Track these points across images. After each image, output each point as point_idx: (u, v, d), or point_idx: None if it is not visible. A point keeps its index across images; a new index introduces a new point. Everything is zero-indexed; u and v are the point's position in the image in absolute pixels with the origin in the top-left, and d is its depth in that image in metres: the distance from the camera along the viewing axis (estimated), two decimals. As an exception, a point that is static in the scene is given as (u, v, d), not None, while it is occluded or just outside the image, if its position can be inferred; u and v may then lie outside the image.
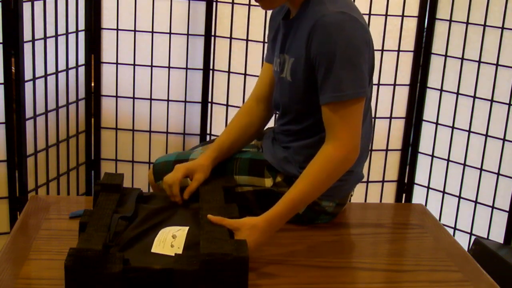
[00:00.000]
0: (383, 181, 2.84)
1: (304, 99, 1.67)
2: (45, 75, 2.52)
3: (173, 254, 1.39)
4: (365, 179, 2.79)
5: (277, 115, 1.87)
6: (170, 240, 1.44)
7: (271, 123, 1.97)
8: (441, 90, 2.71)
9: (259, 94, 1.89)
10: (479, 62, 2.59)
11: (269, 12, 1.91)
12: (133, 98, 2.81)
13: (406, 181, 2.86)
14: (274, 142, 1.81)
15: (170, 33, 2.73)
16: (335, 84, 1.55)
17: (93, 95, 2.82)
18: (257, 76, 1.95)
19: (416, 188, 2.86)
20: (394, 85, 2.73)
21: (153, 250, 1.42)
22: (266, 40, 1.93)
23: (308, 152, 1.68)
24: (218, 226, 1.45)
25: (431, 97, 2.75)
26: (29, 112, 2.47)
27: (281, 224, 1.58)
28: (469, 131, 2.66)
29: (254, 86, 1.92)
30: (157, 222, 1.56)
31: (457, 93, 2.67)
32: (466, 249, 2.32)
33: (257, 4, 1.67)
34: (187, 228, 1.50)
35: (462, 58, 2.64)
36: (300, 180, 1.60)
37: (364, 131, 1.73)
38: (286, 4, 1.71)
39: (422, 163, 2.82)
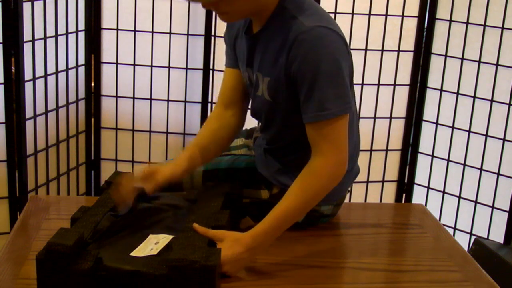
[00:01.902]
0: (383, 181, 2.84)
1: (287, 114, 1.62)
2: (45, 75, 2.52)
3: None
4: (365, 179, 2.79)
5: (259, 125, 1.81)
6: (151, 246, 1.44)
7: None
8: (441, 90, 2.71)
9: (225, 101, 1.79)
10: (479, 62, 2.59)
11: None
12: (133, 98, 2.81)
13: (406, 181, 2.86)
14: (266, 154, 1.75)
15: (170, 33, 2.73)
16: (318, 102, 1.50)
17: (93, 95, 2.82)
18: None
19: (416, 188, 2.86)
20: (394, 85, 2.73)
21: (133, 253, 1.41)
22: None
23: (303, 164, 1.61)
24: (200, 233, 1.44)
25: (431, 97, 2.75)
26: (29, 112, 2.47)
27: (268, 241, 1.53)
28: (469, 131, 2.66)
29: (219, 93, 1.83)
30: (147, 224, 1.55)
31: (457, 93, 2.67)
32: (466, 249, 2.32)
33: None
34: (171, 236, 1.48)
35: (462, 58, 2.64)
36: (286, 197, 1.54)
37: (354, 130, 1.71)
38: (249, 17, 1.64)
39: (422, 163, 2.82)
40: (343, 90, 1.52)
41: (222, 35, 2.66)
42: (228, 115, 1.78)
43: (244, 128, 2.03)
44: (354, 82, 1.69)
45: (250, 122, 2.67)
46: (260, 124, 1.79)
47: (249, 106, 1.80)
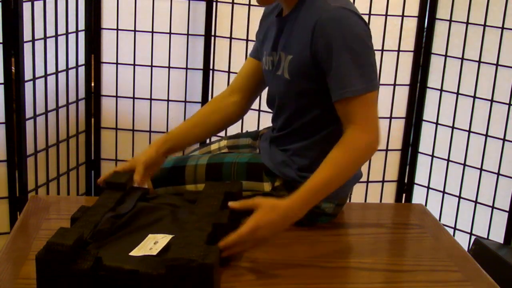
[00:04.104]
0: (383, 181, 2.84)
1: (303, 96, 1.65)
2: (45, 75, 2.52)
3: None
4: (365, 179, 2.79)
5: (272, 114, 1.84)
6: (150, 246, 1.44)
7: (268, 123, 1.96)
8: (441, 90, 2.71)
9: (234, 85, 1.88)
10: (479, 62, 2.59)
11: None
12: (133, 98, 2.81)
13: (406, 181, 2.86)
14: (272, 145, 1.78)
15: (170, 33, 2.73)
16: (345, 79, 1.54)
17: (93, 95, 2.82)
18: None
19: (416, 188, 2.86)
20: (394, 85, 2.73)
21: (132, 253, 1.41)
22: (254, 38, 1.91)
23: (309, 154, 1.67)
24: (198, 231, 1.44)
25: (431, 97, 2.75)
26: (29, 112, 2.47)
27: (302, 212, 1.53)
28: (469, 131, 2.66)
29: (234, 77, 1.92)
30: (146, 223, 1.55)
31: (457, 93, 2.67)
32: (466, 249, 2.32)
33: (257, 4, 1.67)
34: (171, 236, 1.48)
35: (462, 58, 2.64)
36: (323, 166, 1.55)
37: None
38: (280, 2, 1.70)
39: (422, 163, 2.82)
40: (368, 69, 1.56)
41: (222, 35, 2.70)
42: (230, 101, 1.86)
43: (254, 129, 2.06)
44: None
45: (253, 126, 2.67)
46: (272, 112, 1.81)
47: (264, 96, 1.85)
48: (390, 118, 2.76)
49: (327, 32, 1.54)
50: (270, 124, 1.87)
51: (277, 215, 1.49)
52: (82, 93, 2.77)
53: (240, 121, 2.71)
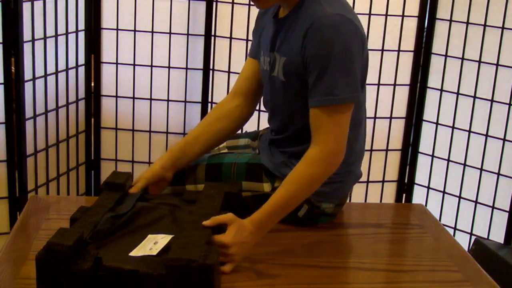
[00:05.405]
0: (383, 181, 2.84)
1: (297, 98, 1.65)
2: (45, 75, 2.52)
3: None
4: (365, 179, 2.79)
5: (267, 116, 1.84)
6: (150, 246, 1.44)
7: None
8: (441, 90, 2.71)
9: (236, 89, 1.86)
10: (479, 62, 2.59)
11: None
12: (133, 98, 2.81)
13: (406, 181, 2.86)
14: (271, 146, 1.78)
15: (170, 33, 2.73)
16: (327, 87, 1.54)
17: (93, 95, 2.82)
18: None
19: (416, 188, 2.86)
20: (394, 85, 2.73)
21: (132, 253, 1.41)
22: (250, 37, 1.90)
23: None
24: (198, 231, 1.44)
25: (431, 97, 2.75)
26: (29, 112, 2.47)
27: (267, 228, 1.56)
28: (469, 131, 2.66)
29: (235, 81, 1.90)
30: (146, 223, 1.55)
31: (457, 93, 2.67)
32: (466, 249, 2.32)
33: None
34: (171, 236, 1.48)
35: (462, 58, 2.64)
36: (284, 185, 1.57)
37: (362, 132, 1.73)
38: (279, 3, 1.70)
39: (422, 163, 2.82)
40: (353, 79, 1.56)
41: (222, 35, 2.70)
42: (233, 105, 1.83)
43: (253, 130, 2.05)
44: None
45: (253, 126, 2.68)
46: (268, 113, 1.81)
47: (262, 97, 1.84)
48: (390, 118, 2.76)
49: (318, 38, 1.53)
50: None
51: (246, 231, 1.50)
52: (82, 93, 2.77)
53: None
